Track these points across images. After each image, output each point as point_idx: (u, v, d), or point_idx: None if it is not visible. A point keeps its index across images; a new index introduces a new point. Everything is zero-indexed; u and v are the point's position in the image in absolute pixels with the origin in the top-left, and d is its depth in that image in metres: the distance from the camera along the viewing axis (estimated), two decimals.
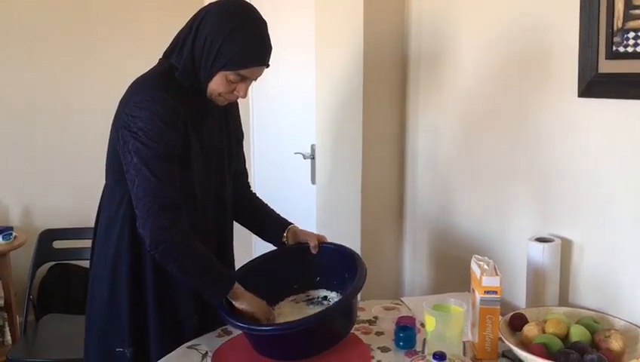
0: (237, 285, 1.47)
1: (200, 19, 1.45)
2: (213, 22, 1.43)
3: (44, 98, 3.44)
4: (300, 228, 1.72)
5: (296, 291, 1.67)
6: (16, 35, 3.33)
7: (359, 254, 1.60)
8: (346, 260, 1.58)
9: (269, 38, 1.47)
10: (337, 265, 1.62)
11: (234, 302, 1.46)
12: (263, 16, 1.49)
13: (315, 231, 1.71)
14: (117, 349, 1.54)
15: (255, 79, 1.50)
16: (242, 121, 1.76)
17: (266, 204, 1.80)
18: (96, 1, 3.49)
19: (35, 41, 3.38)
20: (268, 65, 1.49)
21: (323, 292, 1.66)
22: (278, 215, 1.77)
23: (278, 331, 1.40)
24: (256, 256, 1.71)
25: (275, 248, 1.73)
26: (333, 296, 1.64)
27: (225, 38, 1.41)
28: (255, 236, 1.79)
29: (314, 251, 1.64)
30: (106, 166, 1.58)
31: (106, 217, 1.57)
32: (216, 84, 1.47)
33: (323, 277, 1.66)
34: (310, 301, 1.65)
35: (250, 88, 1.52)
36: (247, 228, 1.78)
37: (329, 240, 1.69)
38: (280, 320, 1.54)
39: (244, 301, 1.46)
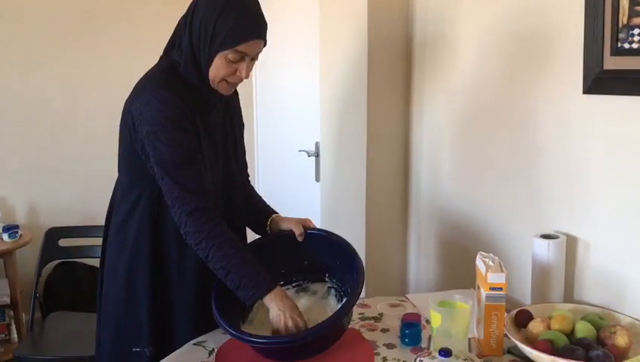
0: (275, 291, 1.42)
1: (192, 10, 1.46)
2: (204, 8, 1.44)
3: (51, 96, 3.45)
4: (282, 216, 1.70)
5: (284, 276, 1.65)
6: (23, 33, 3.34)
7: (356, 248, 1.58)
8: (337, 248, 1.58)
9: (261, 12, 1.47)
10: (326, 251, 1.61)
11: (268, 306, 1.42)
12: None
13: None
14: (134, 349, 1.52)
15: (255, 57, 1.49)
16: (246, 119, 1.76)
17: (256, 194, 1.78)
18: None
19: (42, 40, 3.39)
20: (265, 41, 1.49)
21: (311, 278, 1.66)
22: (265, 204, 1.75)
23: (273, 343, 1.39)
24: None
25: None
26: (323, 281, 1.64)
27: (217, 18, 1.41)
28: None
29: (300, 239, 1.62)
30: (118, 164, 1.58)
31: (121, 214, 1.56)
32: (217, 68, 1.46)
33: (310, 261, 1.65)
34: (299, 287, 1.65)
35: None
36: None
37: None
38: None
39: (276, 307, 1.40)
